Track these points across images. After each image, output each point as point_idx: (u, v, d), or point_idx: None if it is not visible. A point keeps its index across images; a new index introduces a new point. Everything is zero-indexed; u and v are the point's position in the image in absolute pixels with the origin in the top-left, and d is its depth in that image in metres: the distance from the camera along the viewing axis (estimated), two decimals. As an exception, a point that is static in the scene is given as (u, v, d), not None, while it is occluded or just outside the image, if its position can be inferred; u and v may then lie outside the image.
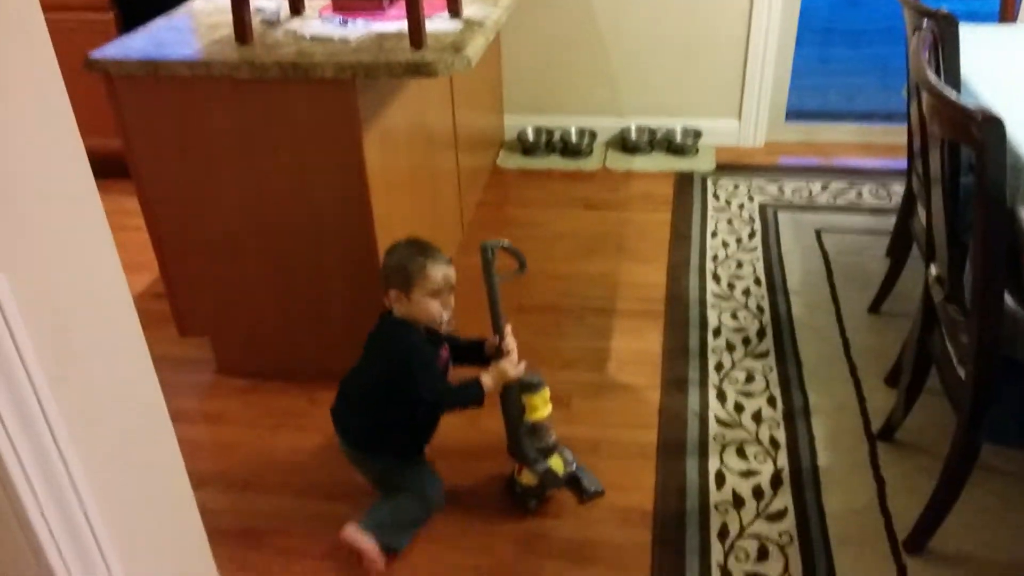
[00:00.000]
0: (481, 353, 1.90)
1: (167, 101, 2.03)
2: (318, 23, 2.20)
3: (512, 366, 1.82)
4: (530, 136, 3.69)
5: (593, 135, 3.68)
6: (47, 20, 1.07)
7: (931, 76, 1.41)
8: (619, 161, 3.58)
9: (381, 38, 2.07)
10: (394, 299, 1.79)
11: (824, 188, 3.25)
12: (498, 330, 1.85)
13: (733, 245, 2.90)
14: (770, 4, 3.35)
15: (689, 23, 3.44)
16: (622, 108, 3.70)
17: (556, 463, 1.86)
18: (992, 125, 1.24)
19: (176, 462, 1.40)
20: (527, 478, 1.87)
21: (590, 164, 3.58)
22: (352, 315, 2.24)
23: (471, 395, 1.79)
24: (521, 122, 3.76)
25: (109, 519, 1.13)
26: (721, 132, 3.64)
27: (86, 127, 1.21)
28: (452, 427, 2.04)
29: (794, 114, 3.76)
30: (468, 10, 2.30)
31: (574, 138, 3.67)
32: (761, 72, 3.50)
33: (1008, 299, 1.46)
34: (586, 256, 2.92)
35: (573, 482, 1.87)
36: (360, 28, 2.14)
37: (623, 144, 3.66)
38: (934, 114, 1.42)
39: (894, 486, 1.89)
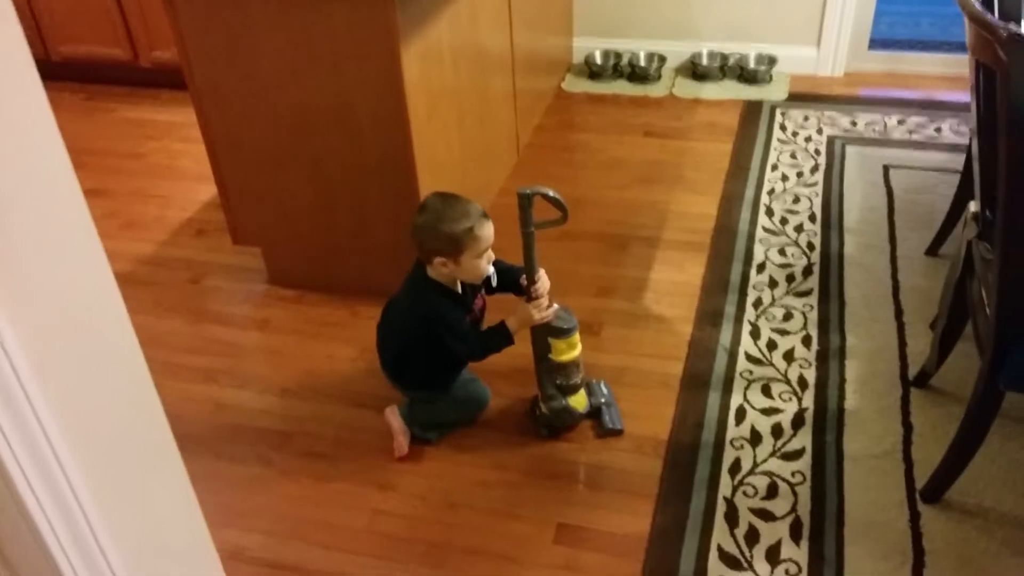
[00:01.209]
0: (517, 284, 1.91)
1: (218, 13, 2.07)
2: (366, -64, 2.18)
3: (537, 311, 1.83)
4: (598, 60, 3.60)
5: (663, 60, 3.55)
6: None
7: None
8: (687, 88, 3.46)
9: (424, -50, 2.04)
10: (439, 264, 1.76)
11: (901, 122, 3.07)
12: (530, 277, 1.83)
13: (793, 179, 2.79)
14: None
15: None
16: (694, 32, 3.56)
17: (577, 400, 1.89)
18: (1016, 44, 1.15)
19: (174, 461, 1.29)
20: (541, 409, 1.92)
21: (657, 90, 3.47)
22: (392, 232, 2.28)
23: (498, 343, 1.85)
24: (590, 45, 3.66)
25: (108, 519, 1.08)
26: (798, 60, 3.46)
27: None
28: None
29: (880, 43, 3.54)
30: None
31: (642, 62, 3.56)
32: (844, -4, 3.29)
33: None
34: (639, 184, 2.87)
35: (594, 415, 1.93)
36: (405, -59, 2.11)
37: (693, 70, 3.54)
38: (969, 33, 1.32)
39: (922, 434, 1.83)
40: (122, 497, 1.10)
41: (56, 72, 3.75)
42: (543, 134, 3.25)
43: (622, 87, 3.53)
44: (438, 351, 1.85)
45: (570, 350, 1.85)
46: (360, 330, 2.30)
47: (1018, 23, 1.68)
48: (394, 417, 1.93)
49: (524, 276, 1.85)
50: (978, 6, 1.30)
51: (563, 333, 1.83)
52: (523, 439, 1.94)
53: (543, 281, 1.85)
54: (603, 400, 1.95)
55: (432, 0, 2.16)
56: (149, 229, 2.81)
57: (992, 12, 1.59)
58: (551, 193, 1.72)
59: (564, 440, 1.93)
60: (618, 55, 3.60)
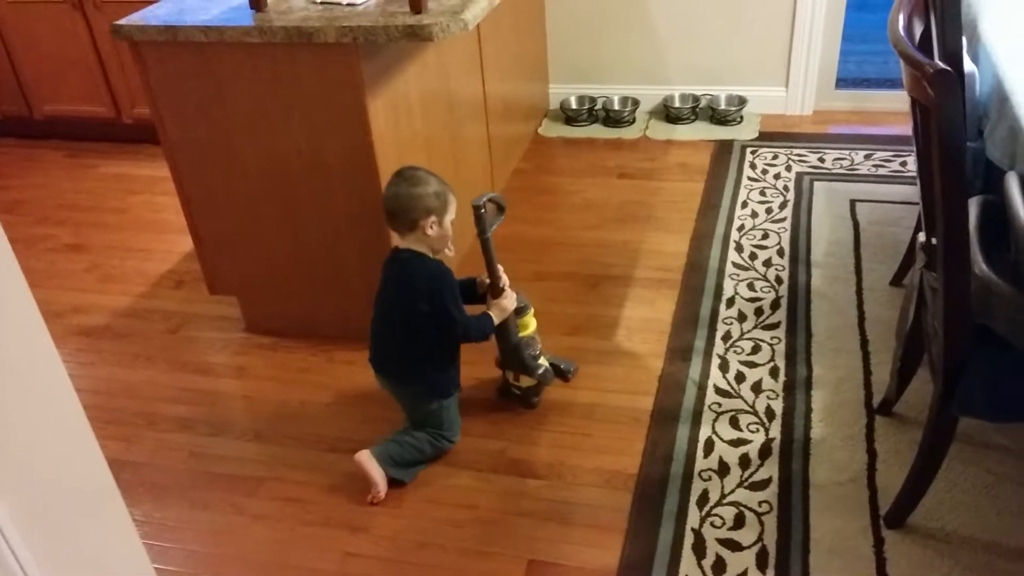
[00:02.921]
0: (475, 291, 2.07)
1: (187, 66, 2.14)
2: (333, -9, 2.26)
3: (511, 301, 2.04)
4: (573, 105, 3.68)
5: (636, 103, 3.64)
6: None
7: (899, 31, 1.36)
8: (660, 130, 3.54)
9: (388, 3, 2.11)
10: (428, 226, 1.87)
11: (867, 157, 3.14)
12: (494, 275, 2.02)
13: (762, 215, 2.84)
14: (817, -34, 3.24)
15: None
16: (666, 76, 3.65)
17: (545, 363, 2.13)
18: (943, 81, 1.20)
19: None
20: (526, 381, 2.11)
21: (631, 133, 3.55)
22: (366, 278, 2.31)
23: (486, 327, 2.00)
24: (566, 91, 3.75)
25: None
26: (768, 100, 3.54)
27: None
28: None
29: (847, 81, 3.63)
30: (480, -24, 2.31)
31: (616, 106, 3.64)
32: (809, 39, 3.38)
33: (984, 266, 1.41)
34: (612, 225, 2.92)
35: (557, 372, 2.18)
36: (372, -5, 2.18)
37: (666, 113, 3.62)
38: (903, 71, 1.38)
39: (885, 460, 1.85)
40: (64, 554, 1.09)
41: (39, 130, 3.84)
42: (520, 178, 3.31)
43: (597, 131, 3.60)
44: (438, 327, 1.91)
45: (532, 322, 2.13)
46: (335, 375, 2.33)
47: (959, 60, 1.74)
48: (370, 463, 1.92)
49: (486, 277, 2.03)
50: (909, 45, 1.35)
51: (525, 310, 2.11)
52: (492, 477, 1.96)
53: (504, 276, 2.05)
54: (550, 358, 2.17)
55: (398, 52, 2.23)
56: (128, 282, 2.84)
57: (934, 48, 1.65)
58: (491, 196, 2.03)
59: (534, 477, 1.94)
60: (593, 100, 3.69)
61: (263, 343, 2.49)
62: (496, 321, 2.01)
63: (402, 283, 1.92)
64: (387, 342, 1.99)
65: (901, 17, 1.43)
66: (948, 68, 1.22)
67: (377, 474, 1.91)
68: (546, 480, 1.93)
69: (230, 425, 2.20)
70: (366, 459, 1.93)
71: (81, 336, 2.56)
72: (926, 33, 1.59)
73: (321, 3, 2.14)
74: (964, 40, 1.89)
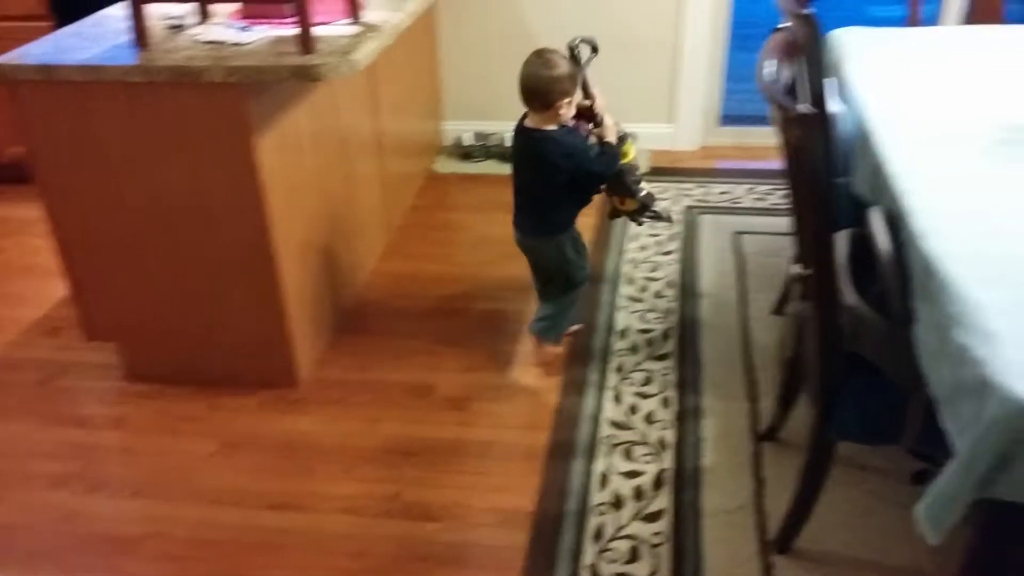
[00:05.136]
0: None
1: (65, 106, 2.04)
2: (220, 29, 2.21)
3: (613, 122, 2.22)
4: (468, 141, 3.70)
5: (530, 140, 3.68)
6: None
7: (766, 75, 1.42)
8: (554, 166, 3.59)
9: (278, 43, 2.08)
10: (563, 107, 2.09)
11: (750, 190, 3.27)
12: (594, 106, 2.22)
13: (652, 248, 2.91)
14: (696, 11, 3.37)
15: (620, 26, 3.45)
16: (558, 113, 3.71)
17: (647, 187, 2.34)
18: (807, 122, 1.26)
19: None
20: (629, 205, 2.31)
21: (525, 169, 3.58)
22: (254, 320, 2.26)
23: (612, 153, 2.20)
24: (460, 128, 3.77)
25: None
26: (657, 136, 3.65)
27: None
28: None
29: (732, 118, 3.78)
30: (371, 14, 2.31)
31: (510, 143, 3.67)
32: (693, 77, 3.52)
33: (853, 297, 1.47)
34: (507, 260, 2.92)
35: (653, 212, 2.37)
36: (259, 33, 2.15)
37: (559, 149, 3.67)
38: (772, 112, 1.44)
39: (772, 486, 1.90)
40: None
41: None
42: (416, 214, 3.30)
43: (492, 167, 3.63)
44: (584, 190, 2.23)
45: (632, 149, 2.29)
46: (222, 423, 2.24)
47: (825, 101, 1.83)
48: (541, 349, 2.37)
49: (587, 100, 2.21)
50: (776, 89, 1.41)
51: (627, 137, 2.27)
52: (386, 523, 1.91)
53: (599, 96, 2.23)
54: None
55: (287, 91, 2.20)
56: (-3, 330, 2.68)
57: (801, 91, 1.73)
58: (583, 37, 2.24)
59: (429, 520, 1.91)
60: (487, 136, 3.71)
61: (144, 391, 2.38)
62: (614, 143, 2.20)
63: (541, 161, 2.14)
64: (533, 207, 2.26)
65: (768, 62, 1.50)
66: (812, 111, 1.27)
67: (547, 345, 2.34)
68: (442, 523, 1.90)
69: (108, 481, 2.08)
70: (536, 345, 2.38)
71: (-57, 390, 2.39)
72: (793, 76, 1.67)
73: (207, 42, 2.09)
74: (833, 81, 2.00)
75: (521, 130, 2.19)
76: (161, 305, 2.28)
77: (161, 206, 2.14)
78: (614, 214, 2.40)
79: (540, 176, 2.17)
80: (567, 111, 2.12)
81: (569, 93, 2.10)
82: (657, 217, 2.40)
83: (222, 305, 2.25)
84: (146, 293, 2.27)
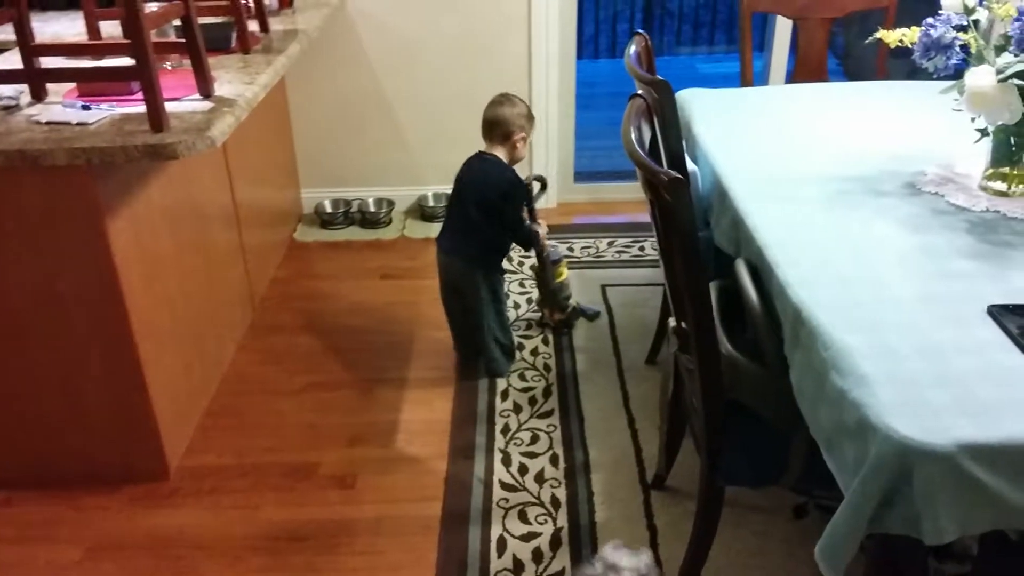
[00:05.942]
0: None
1: None
2: (59, 109, 2.09)
3: (545, 231, 2.61)
4: (328, 208, 3.66)
5: (391, 204, 3.68)
6: None
7: (632, 141, 1.50)
8: (418, 229, 3.60)
9: (124, 121, 1.98)
10: (518, 140, 2.42)
11: (610, 244, 3.40)
12: (533, 217, 2.62)
13: (524, 306, 2.95)
14: (547, 71, 3.52)
15: (474, 88, 3.52)
16: (419, 176, 3.74)
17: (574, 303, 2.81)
18: (676, 187, 1.33)
19: None
20: (558, 316, 2.75)
21: (389, 233, 3.58)
22: (115, 408, 2.11)
23: (532, 236, 2.54)
24: (319, 195, 3.72)
25: None
26: (516, 195, 3.73)
27: None
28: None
29: (585, 175, 3.93)
30: (223, 89, 2.25)
31: (372, 208, 3.66)
32: (546, 136, 3.64)
33: (728, 346, 1.55)
34: (379, 327, 2.89)
35: (582, 313, 2.84)
36: (103, 112, 2.04)
37: (421, 212, 3.70)
38: (639, 176, 1.51)
39: (665, 534, 1.95)
40: None
41: None
42: (279, 286, 3.21)
43: (355, 233, 3.60)
44: (502, 222, 2.42)
45: (564, 271, 2.74)
46: (85, 525, 2.06)
47: (683, 161, 1.95)
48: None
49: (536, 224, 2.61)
50: (643, 155, 1.49)
51: (560, 262, 2.71)
52: (282, 616, 1.81)
53: (544, 225, 2.64)
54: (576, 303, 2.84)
55: (138, 170, 2.10)
56: None
57: (661, 152, 1.83)
58: (535, 176, 2.84)
59: (326, 608, 1.83)
60: (347, 203, 3.69)
61: (-9, 499, 2.16)
62: (536, 240, 2.55)
63: (483, 176, 2.39)
64: (456, 226, 2.45)
65: (632, 128, 1.58)
66: (678, 175, 1.35)
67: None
68: (339, 608, 1.83)
69: (-47, 607, 1.86)
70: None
71: None
72: (653, 138, 1.76)
73: (47, 123, 1.97)
74: (684, 142, 2.13)
75: (475, 155, 2.45)
76: (10, 405, 2.10)
77: (5, 300, 1.98)
78: (542, 324, 2.82)
79: (474, 191, 2.39)
80: (522, 149, 2.44)
81: (526, 130, 2.42)
82: (585, 315, 2.83)
83: (77, 396, 2.10)
84: (-10, 392, 2.08)
